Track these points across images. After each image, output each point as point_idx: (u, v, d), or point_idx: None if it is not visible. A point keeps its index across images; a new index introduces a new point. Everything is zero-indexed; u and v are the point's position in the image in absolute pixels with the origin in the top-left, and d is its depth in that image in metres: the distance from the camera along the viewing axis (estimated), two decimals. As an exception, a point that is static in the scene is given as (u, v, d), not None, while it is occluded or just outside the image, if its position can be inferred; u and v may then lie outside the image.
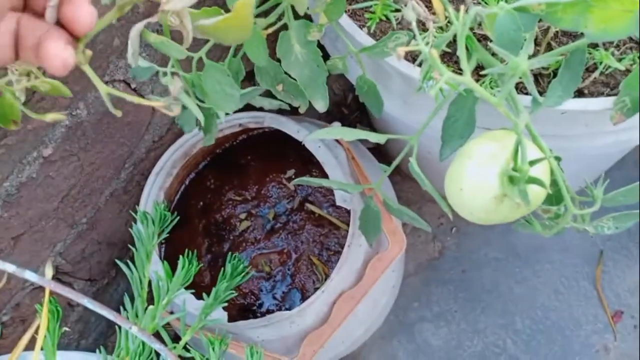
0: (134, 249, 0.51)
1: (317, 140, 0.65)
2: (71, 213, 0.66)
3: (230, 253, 0.58)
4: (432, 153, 0.55)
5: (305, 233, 0.76)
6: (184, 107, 0.47)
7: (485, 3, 0.46)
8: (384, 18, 0.43)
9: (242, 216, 0.79)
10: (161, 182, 0.68)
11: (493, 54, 0.44)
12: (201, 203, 0.80)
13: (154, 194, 0.66)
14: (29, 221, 0.62)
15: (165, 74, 0.48)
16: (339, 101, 0.98)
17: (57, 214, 0.64)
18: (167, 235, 0.60)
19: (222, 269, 0.55)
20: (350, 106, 0.99)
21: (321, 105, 0.49)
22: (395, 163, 0.47)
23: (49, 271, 0.49)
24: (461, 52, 0.34)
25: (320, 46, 0.51)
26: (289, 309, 0.69)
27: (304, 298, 0.72)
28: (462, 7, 0.34)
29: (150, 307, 0.47)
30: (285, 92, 0.53)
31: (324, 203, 0.77)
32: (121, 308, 0.52)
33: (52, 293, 0.51)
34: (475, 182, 0.37)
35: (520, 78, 0.37)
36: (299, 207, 0.77)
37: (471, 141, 0.40)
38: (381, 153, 0.94)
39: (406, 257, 0.88)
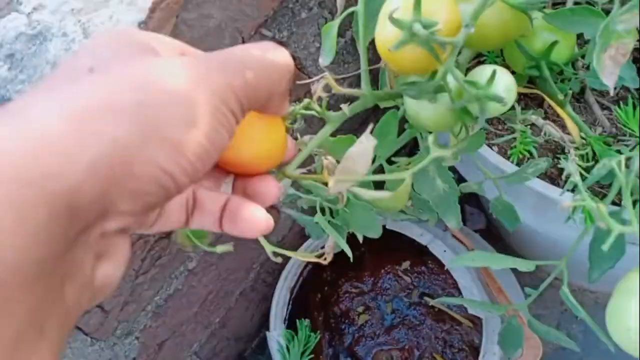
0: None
1: (440, 242, 0.65)
2: (207, 316, 0.70)
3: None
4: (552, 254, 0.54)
5: (426, 328, 0.76)
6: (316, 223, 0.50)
7: (625, 126, 0.46)
8: (526, 153, 0.44)
9: (360, 309, 0.80)
10: (289, 284, 0.71)
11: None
12: (319, 295, 0.82)
13: (282, 297, 0.69)
14: (173, 327, 0.66)
15: (307, 202, 0.52)
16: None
17: (196, 318, 0.69)
18: (306, 347, 0.61)
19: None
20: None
21: (454, 224, 0.50)
22: (543, 286, 0.46)
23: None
24: (627, 203, 0.34)
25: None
26: (417, 410, 0.68)
27: (429, 397, 0.71)
28: (623, 158, 0.34)
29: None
30: (414, 208, 0.55)
31: (443, 296, 0.77)
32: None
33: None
34: (636, 321, 0.36)
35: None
36: (418, 301, 0.77)
37: (633, 273, 0.39)
38: (492, 234, 0.93)
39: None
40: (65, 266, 0.17)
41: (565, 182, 0.46)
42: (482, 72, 0.36)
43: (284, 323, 0.67)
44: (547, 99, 0.48)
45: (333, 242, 0.36)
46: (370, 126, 0.29)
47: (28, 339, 0.16)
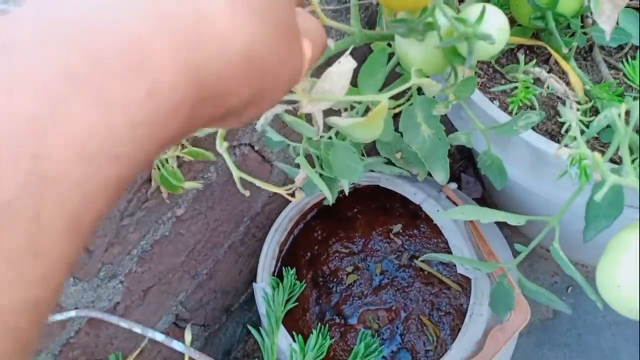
0: (264, 316, 0.53)
1: (434, 202, 0.64)
2: (194, 266, 0.70)
3: (357, 321, 0.58)
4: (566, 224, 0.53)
5: (414, 291, 0.75)
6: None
7: (625, 75, 0.44)
8: (527, 102, 0.43)
9: (349, 269, 0.79)
10: (278, 237, 0.70)
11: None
12: (309, 254, 0.81)
13: (271, 251, 0.68)
14: (159, 275, 0.65)
15: (295, 148, 0.50)
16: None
17: (183, 267, 0.68)
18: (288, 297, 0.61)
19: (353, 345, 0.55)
20: (453, 155, 0.98)
21: (442, 177, 0.49)
22: (533, 244, 0.45)
23: (188, 336, 0.52)
24: (624, 154, 0.32)
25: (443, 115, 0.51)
26: (400, 369, 0.68)
27: (413, 359, 0.71)
28: (623, 107, 0.33)
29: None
30: (404, 160, 0.54)
31: (434, 260, 0.76)
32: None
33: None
34: (634, 278, 0.35)
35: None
36: (407, 263, 0.77)
37: (626, 231, 0.38)
38: (487, 203, 0.92)
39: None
40: None
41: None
42: (473, 10, 0.34)
43: (272, 276, 0.67)
44: (552, 52, 0.47)
45: (303, 177, 0.35)
46: (351, 48, 0.28)
47: None
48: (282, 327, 0.61)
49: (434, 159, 0.47)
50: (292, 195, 0.43)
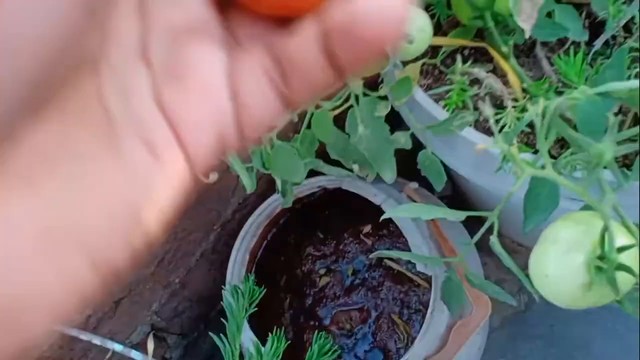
0: (226, 322, 0.55)
1: (394, 202, 0.66)
2: (166, 275, 0.71)
3: (317, 332, 0.60)
4: (513, 214, 0.54)
5: (384, 290, 0.77)
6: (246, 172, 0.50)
7: (565, 77, 0.46)
8: (460, 104, 0.44)
9: (322, 272, 0.81)
10: (247, 244, 0.71)
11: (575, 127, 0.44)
12: (282, 258, 0.83)
13: (240, 257, 0.70)
14: (129, 286, 0.67)
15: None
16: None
17: (154, 277, 0.69)
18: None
19: (310, 347, 0.57)
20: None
21: (388, 177, 0.50)
22: (476, 238, 0.47)
23: (150, 346, 0.53)
24: (541, 146, 0.34)
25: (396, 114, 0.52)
26: (372, 368, 0.70)
27: (386, 358, 0.73)
28: (542, 101, 0.34)
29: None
30: (354, 161, 0.55)
31: (402, 259, 0.78)
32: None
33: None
34: (560, 269, 0.37)
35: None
36: (378, 263, 0.78)
37: (555, 224, 0.39)
38: (457, 201, 0.93)
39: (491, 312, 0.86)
40: None
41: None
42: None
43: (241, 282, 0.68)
44: (492, 51, 0.48)
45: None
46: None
47: None
48: (250, 333, 0.63)
49: (380, 159, 0.48)
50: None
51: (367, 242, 0.79)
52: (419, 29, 0.35)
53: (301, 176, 0.44)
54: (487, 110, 0.34)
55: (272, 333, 0.69)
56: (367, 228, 0.80)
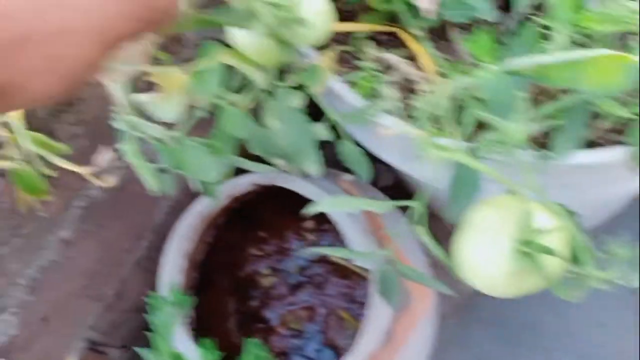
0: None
1: (330, 196, 0.64)
2: (97, 288, 0.67)
3: (264, 335, 0.57)
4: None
5: (330, 286, 0.75)
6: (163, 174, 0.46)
7: (478, 58, 0.44)
8: (373, 92, 0.42)
9: (266, 272, 0.78)
10: (180, 248, 0.68)
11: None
12: (224, 261, 0.80)
13: (174, 262, 0.67)
14: (56, 301, 0.63)
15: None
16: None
17: (84, 290, 0.65)
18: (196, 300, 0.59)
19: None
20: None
21: (313, 170, 0.48)
22: (404, 227, 0.45)
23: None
24: (451, 128, 0.32)
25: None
26: (321, 368, 0.68)
27: (338, 356, 0.71)
28: (450, 82, 0.33)
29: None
30: (278, 156, 0.53)
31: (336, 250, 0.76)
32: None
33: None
34: (483, 257, 0.35)
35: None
36: (322, 259, 0.76)
37: (475, 209, 0.38)
38: (399, 191, 0.92)
39: (442, 299, 0.85)
40: None
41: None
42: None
43: (189, 289, 0.65)
44: (403, 35, 0.46)
45: (108, 158, 0.34)
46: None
47: None
48: (188, 342, 0.60)
49: (301, 153, 0.46)
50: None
51: (309, 237, 0.77)
52: (316, 12, 0.33)
53: (215, 175, 0.42)
54: (391, 94, 0.33)
55: (216, 339, 0.66)
56: (309, 224, 0.78)
